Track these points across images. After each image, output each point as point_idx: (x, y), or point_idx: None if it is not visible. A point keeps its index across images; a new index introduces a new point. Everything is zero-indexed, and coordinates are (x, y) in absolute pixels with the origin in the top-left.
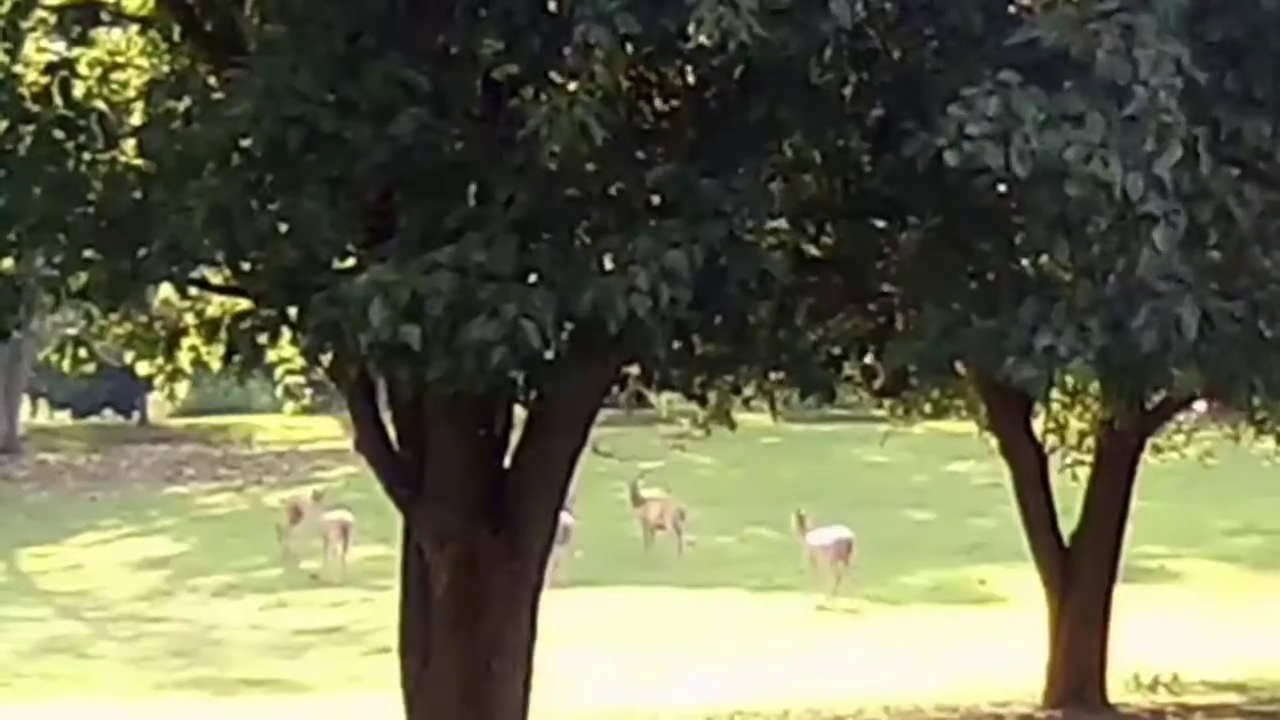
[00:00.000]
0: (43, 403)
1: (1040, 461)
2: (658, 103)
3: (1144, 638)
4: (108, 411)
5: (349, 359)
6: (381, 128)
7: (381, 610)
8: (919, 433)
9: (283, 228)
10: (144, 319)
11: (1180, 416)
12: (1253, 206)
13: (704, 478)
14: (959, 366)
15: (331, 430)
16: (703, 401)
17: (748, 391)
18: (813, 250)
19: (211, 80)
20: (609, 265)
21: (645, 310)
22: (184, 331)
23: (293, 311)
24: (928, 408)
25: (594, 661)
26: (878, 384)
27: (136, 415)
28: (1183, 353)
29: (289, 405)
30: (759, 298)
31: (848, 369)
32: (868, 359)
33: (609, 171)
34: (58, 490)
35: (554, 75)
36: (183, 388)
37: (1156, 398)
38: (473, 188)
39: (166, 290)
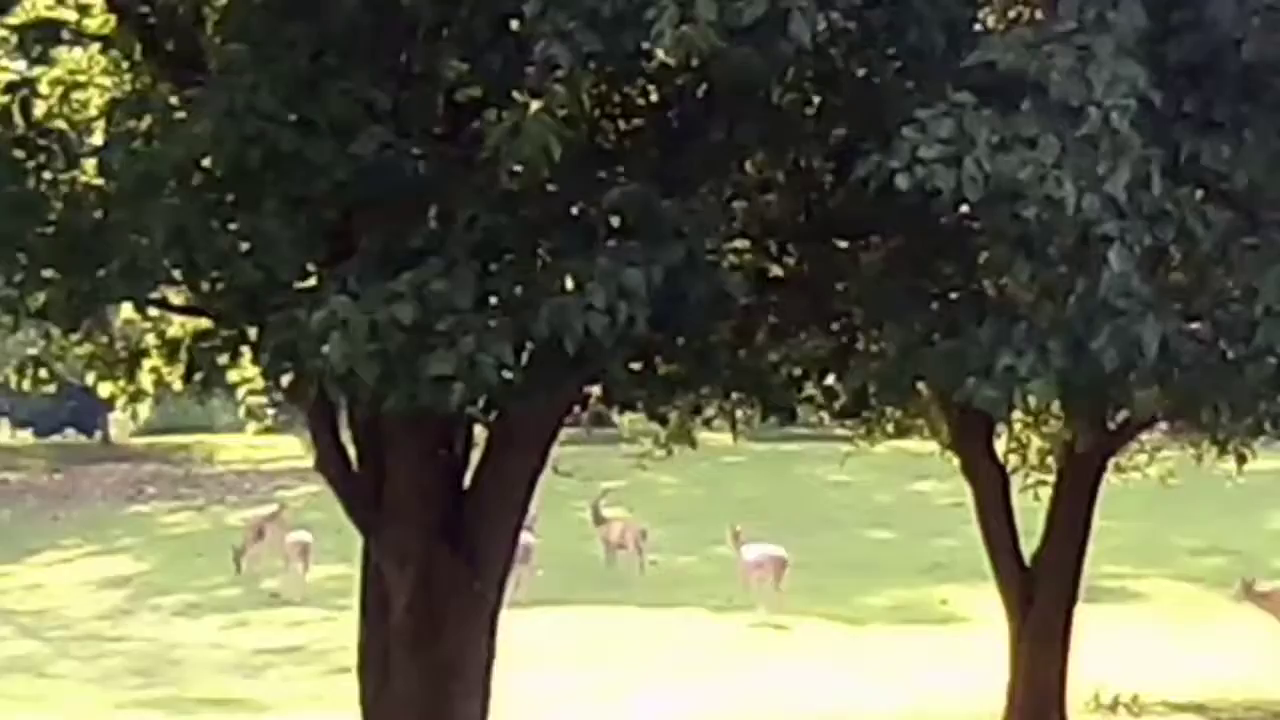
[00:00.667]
0: (4, 421)
1: (1002, 481)
2: (620, 122)
3: (1105, 657)
4: (70, 430)
5: (308, 381)
6: (342, 147)
7: (342, 629)
8: (882, 452)
9: (243, 247)
10: (105, 339)
11: (1143, 436)
12: (1215, 227)
13: (666, 497)
14: (920, 387)
15: (294, 449)
16: (664, 421)
17: (709, 411)
18: (775, 270)
19: (172, 99)
20: (568, 285)
21: (602, 329)
22: (145, 352)
23: (253, 331)
24: (890, 427)
25: (553, 682)
26: (838, 405)
27: (99, 434)
28: (1144, 373)
29: (251, 425)
30: (719, 318)
31: (809, 389)
32: (829, 380)
33: (570, 192)
34: (19, 509)
35: (516, 94)
36: (145, 407)
37: (1119, 418)
38: (434, 208)
39: (128, 310)
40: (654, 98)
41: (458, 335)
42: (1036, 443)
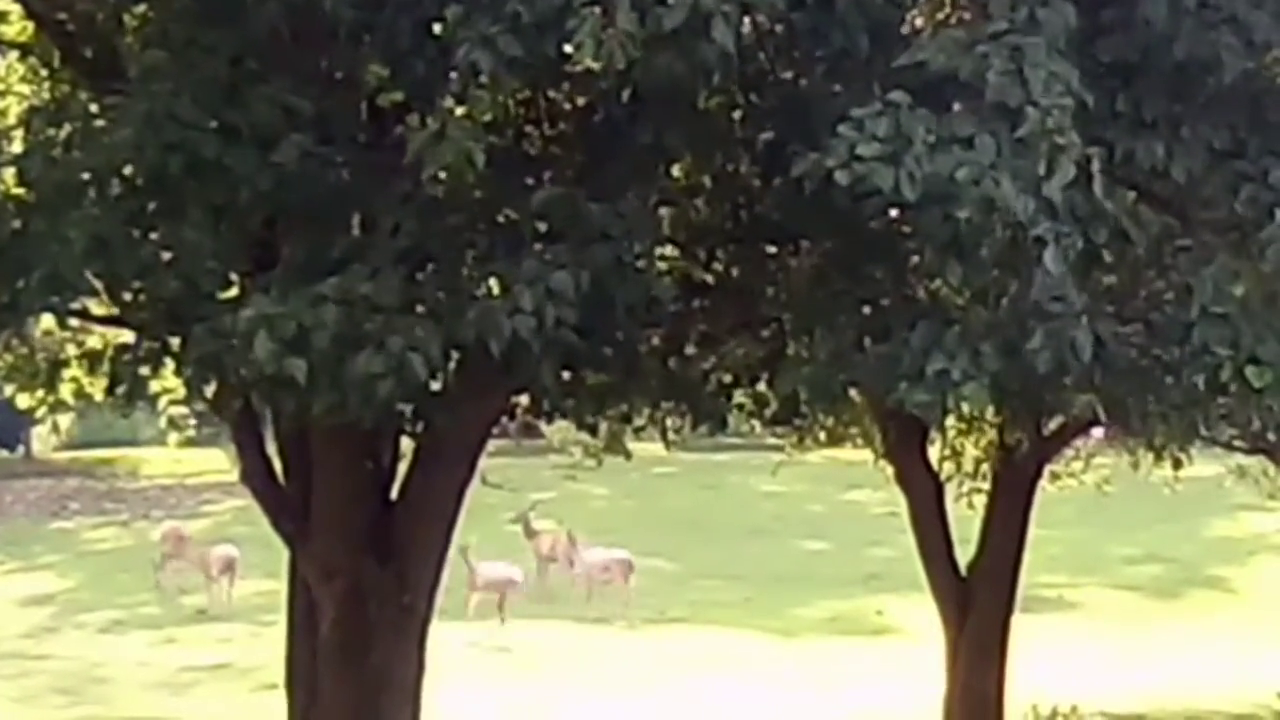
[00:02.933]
0: None
1: (936, 490)
2: (545, 128)
3: (1043, 668)
4: None
5: (232, 391)
6: (265, 155)
7: (269, 645)
8: (815, 461)
9: (165, 257)
10: (25, 350)
11: (1078, 443)
12: (1149, 228)
13: (597, 509)
14: (853, 393)
15: (219, 463)
16: (594, 431)
17: (639, 421)
18: (704, 276)
19: (92, 107)
20: (495, 290)
21: (529, 332)
22: (65, 363)
23: (175, 343)
24: (822, 435)
25: (480, 698)
26: (769, 413)
27: (21, 450)
28: (1077, 376)
29: (173, 437)
30: (648, 325)
31: (739, 397)
32: (760, 386)
33: (496, 198)
34: None
35: (438, 100)
36: (66, 420)
37: (1053, 423)
38: (358, 216)
39: (48, 321)
40: (579, 102)
41: (385, 336)
42: (971, 450)
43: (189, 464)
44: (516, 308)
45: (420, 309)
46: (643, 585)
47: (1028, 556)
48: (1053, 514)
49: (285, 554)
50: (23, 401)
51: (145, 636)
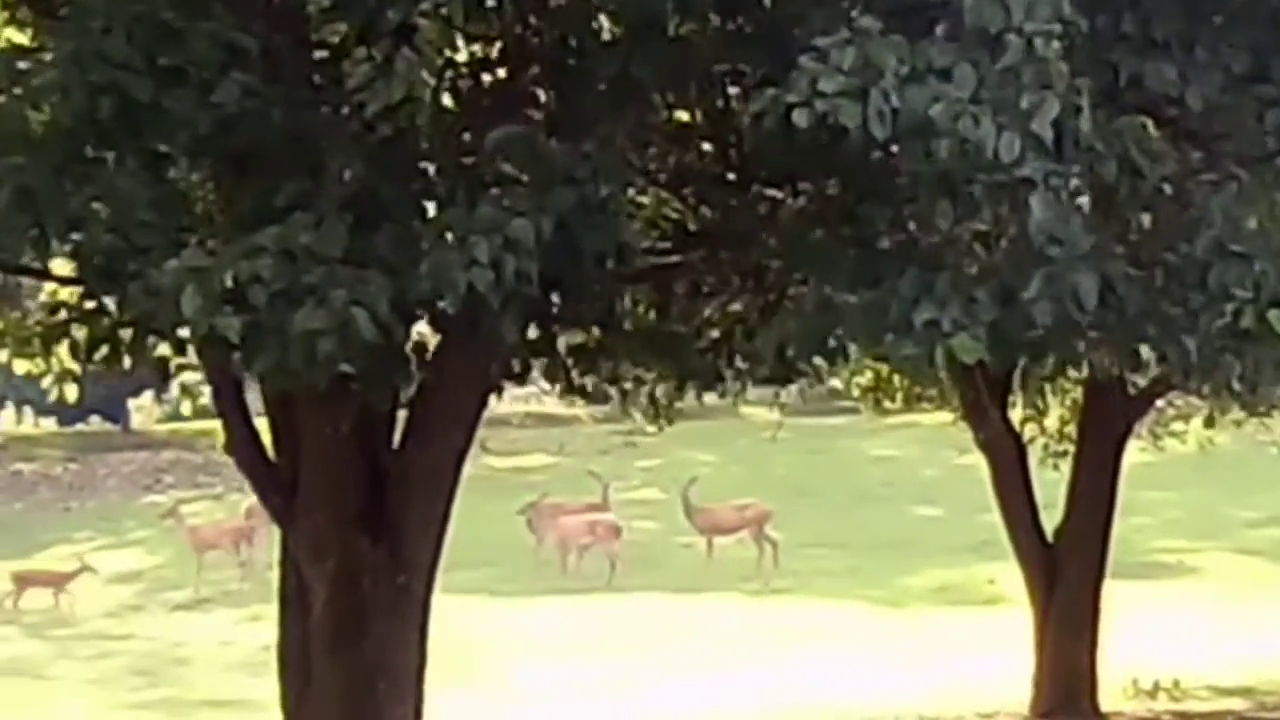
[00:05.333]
0: (27, 410)
1: (1019, 452)
2: (502, 61)
3: (1153, 638)
4: (95, 418)
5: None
6: (204, 96)
7: None
8: (929, 424)
9: (97, 210)
10: (16, 314)
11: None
12: (1163, 160)
13: (705, 475)
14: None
15: None
16: (583, 394)
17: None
18: (690, 223)
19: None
20: (450, 239)
21: (487, 285)
22: (60, 327)
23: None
24: (899, 398)
25: (572, 673)
26: (763, 371)
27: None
28: (1083, 325)
29: (186, 406)
30: (628, 277)
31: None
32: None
33: (451, 139)
34: (31, 501)
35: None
36: (72, 390)
37: (1141, 381)
38: (306, 161)
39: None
40: (545, 37)
41: (328, 290)
42: (1056, 410)
43: None
44: (473, 259)
45: (369, 259)
46: (750, 554)
47: (1145, 520)
48: (1170, 476)
49: None
50: (19, 368)
51: (230, 615)
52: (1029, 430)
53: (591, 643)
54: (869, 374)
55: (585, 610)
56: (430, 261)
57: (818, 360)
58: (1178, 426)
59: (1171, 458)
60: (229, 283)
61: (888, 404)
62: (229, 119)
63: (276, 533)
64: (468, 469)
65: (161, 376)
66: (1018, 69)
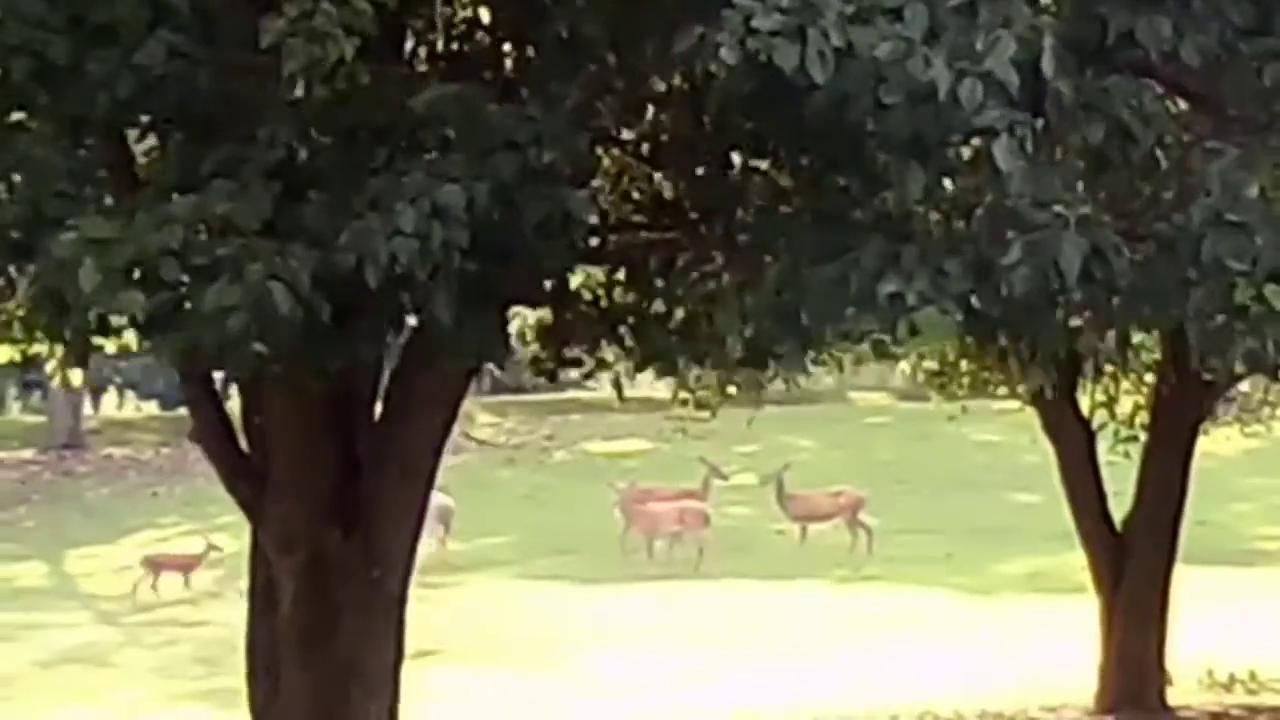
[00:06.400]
0: (129, 394)
1: (1088, 439)
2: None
3: (1244, 628)
4: None
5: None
6: (126, 57)
7: (435, 610)
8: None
9: (11, 179)
10: None
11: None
12: (1157, 121)
13: (801, 461)
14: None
15: None
16: (552, 377)
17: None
18: (654, 193)
19: None
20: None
21: (411, 257)
22: None
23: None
24: (965, 381)
25: (657, 663)
26: (732, 354)
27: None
28: (1067, 299)
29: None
30: (584, 254)
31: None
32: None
33: (386, 101)
34: (119, 486)
35: None
36: (77, 375)
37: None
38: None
39: None
40: None
41: (245, 263)
42: (1127, 396)
43: None
44: (397, 229)
45: (297, 234)
46: (843, 541)
47: (1246, 507)
48: (1275, 462)
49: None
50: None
51: None
52: (1099, 417)
53: (673, 631)
54: (933, 360)
55: (670, 598)
56: (351, 231)
57: (788, 342)
58: (1265, 412)
59: (1277, 443)
60: (130, 256)
61: (955, 390)
62: (153, 81)
63: None
64: (562, 454)
65: (78, 360)
66: (974, 6)
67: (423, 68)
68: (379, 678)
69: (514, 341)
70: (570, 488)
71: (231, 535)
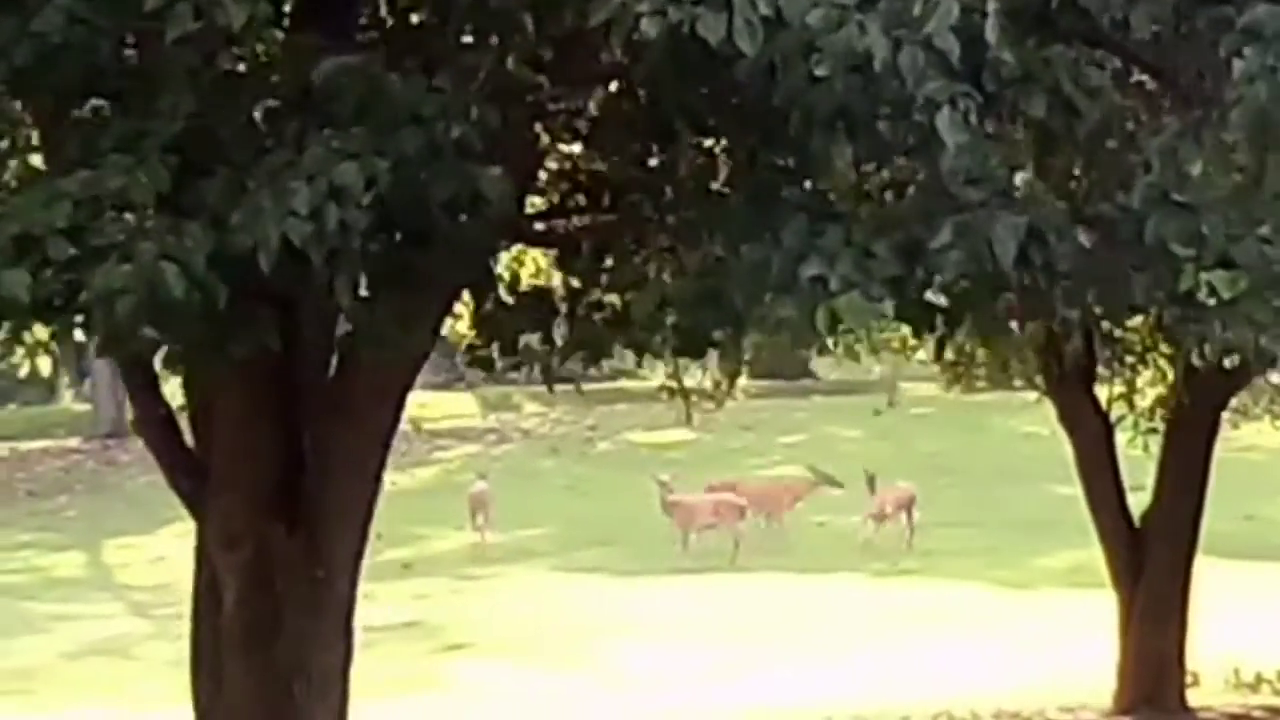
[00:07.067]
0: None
1: (1106, 431)
2: None
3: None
4: None
5: None
6: (23, 24)
7: (467, 603)
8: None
9: None
10: None
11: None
12: (1103, 96)
13: (846, 452)
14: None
15: (466, 407)
16: (487, 366)
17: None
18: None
19: None
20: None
21: (304, 238)
22: None
23: None
24: (981, 372)
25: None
26: (664, 343)
27: None
28: (1004, 282)
29: None
30: (505, 238)
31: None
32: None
33: (293, 74)
34: (160, 476)
35: None
36: (45, 363)
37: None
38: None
39: None
40: None
41: (135, 243)
42: (1147, 388)
43: (435, 408)
44: (290, 209)
45: (198, 212)
46: (882, 532)
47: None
48: None
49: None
50: None
51: None
52: (1118, 409)
53: (705, 625)
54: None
55: (705, 591)
56: (244, 211)
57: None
58: None
59: None
60: (23, 234)
61: (973, 380)
62: (51, 49)
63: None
64: (605, 444)
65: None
66: None
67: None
68: (326, 680)
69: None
70: (611, 478)
71: None
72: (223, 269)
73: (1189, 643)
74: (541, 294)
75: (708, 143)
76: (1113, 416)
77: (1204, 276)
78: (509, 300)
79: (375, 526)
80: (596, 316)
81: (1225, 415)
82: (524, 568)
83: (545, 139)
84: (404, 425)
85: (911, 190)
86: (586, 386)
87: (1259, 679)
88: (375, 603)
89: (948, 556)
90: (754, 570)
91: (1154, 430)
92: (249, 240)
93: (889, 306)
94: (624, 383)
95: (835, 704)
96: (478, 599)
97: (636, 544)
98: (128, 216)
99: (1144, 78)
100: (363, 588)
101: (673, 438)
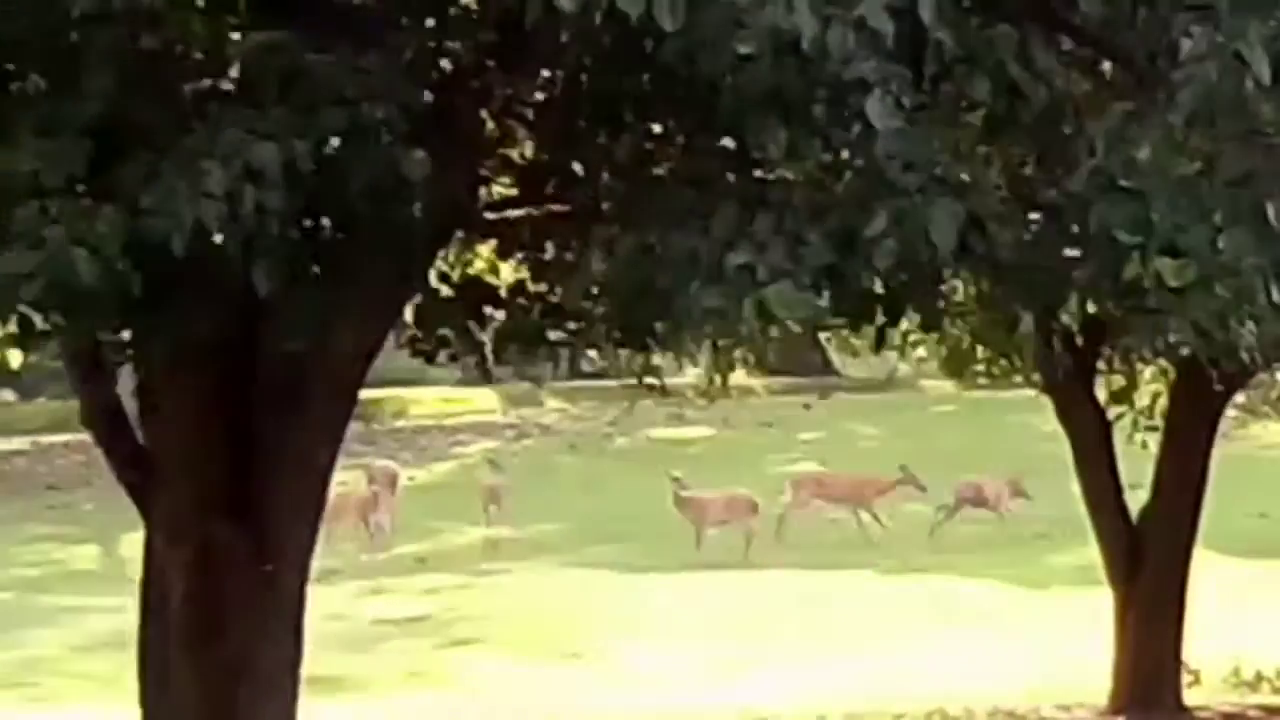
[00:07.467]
0: None
1: (1104, 428)
2: None
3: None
4: None
5: None
6: None
7: (476, 598)
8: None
9: None
10: None
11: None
12: (1051, 77)
13: (866, 449)
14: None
15: (488, 402)
16: (429, 359)
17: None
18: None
19: None
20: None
21: (217, 221)
22: None
23: None
24: (979, 368)
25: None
26: (598, 334)
27: None
28: (941, 272)
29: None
30: (451, 225)
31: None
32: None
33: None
34: None
35: None
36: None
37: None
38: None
39: None
40: None
41: (40, 228)
42: (1147, 385)
43: (458, 403)
44: (204, 190)
45: (117, 195)
46: (896, 530)
47: None
48: None
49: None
50: None
51: (354, 586)
52: (1118, 406)
53: (712, 622)
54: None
55: (716, 588)
56: (157, 193)
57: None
58: None
59: None
60: None
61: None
62: None
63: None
64: (624, 440)
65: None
66: None
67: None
68: (274, 678)
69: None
70: (629, 474)
71: None
72: (138, 255)
73: (1190, 641)
74: (475, 284)
75: (656, 129)
76: (1111, 414)
77: (1153, 266)
78: (444, 291)
79: (394, 521)
80: (537, 308)
81: (1232, 413)
82: (536, 563)
83: (491, 126)
84: (419, 421)
85: (849, 176)
86: (608, 384)
87: (1259, 677)
88: (386, 597)
89: (961, 553)
90: (767, 567)
91: (1153, 428)
92: (163, 224)
93: (823, 297)
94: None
95: (835, 702)
96: (488, 594)
97: (650, 540)
98: (39, 201)
99: (1098, 59)
100: (374, 582)
101: (692, 434)
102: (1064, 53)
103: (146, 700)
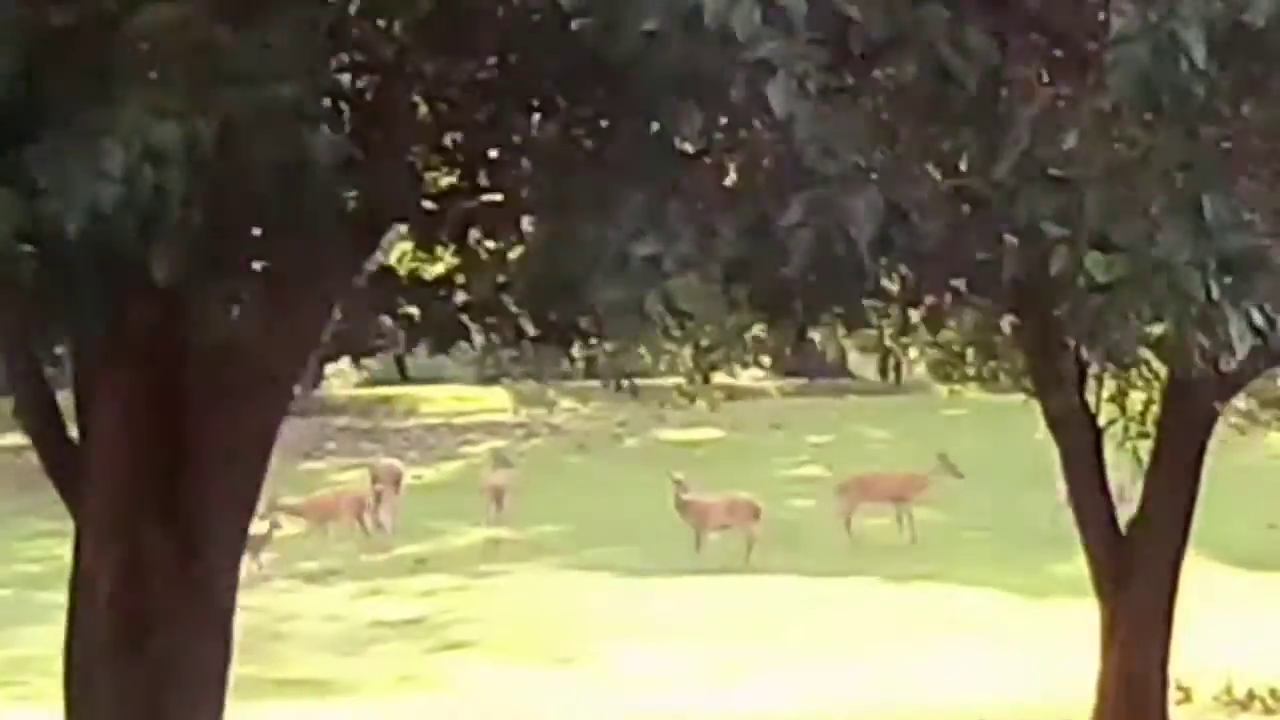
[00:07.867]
0: None
1: (1094, 436)
2: None
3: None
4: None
5: None
6: None
7: (472, 600)
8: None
9: None
10: None
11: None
12: (983, 58)
13: (872, 452)
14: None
15: (499, 401)
16: (362, 356)
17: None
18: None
19: None
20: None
21: (115, 203)
22: None
23: None
24: (970, 372)
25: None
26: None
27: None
28: (863, 265)
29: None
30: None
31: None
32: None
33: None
34: None
35: None
36: None
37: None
38: None
39: None
40: None
41: None
42: (1138, 392)
43: (469, 401)
44: (101, 170)
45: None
46: (902, 537)
47: None
48: None
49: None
50: None
51: (351, 588)
52: (1109, 412)
53: (710, 626)
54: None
55: (715, 592)
56: (53, 174)
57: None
58: None
59: None
60: None
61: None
62: None
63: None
64: (633, 441)
65: None
66: None
67: None
68: (202, 685)
69: None
70: (635, 475)
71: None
72: (32, 240)
73: (1183, 657)
74: (387, 277)
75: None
76: (1102, 421)
77: (1080, 259)
78: (359, 283)
79: (396, 521)
80: (458, 300)
81: (1233, 420)
82: (535, 565)
83: (425, 110)
84: (428, 419)
85: (765, 162)
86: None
87: (1251, 696)
88: (381, 599)
89: (963, 561)
90: (768, 572)
91: (1145, 435)
92: (57, 206)
93: (736, 291)
94: (661, 379)
95: (832, 708)
96: (486, 596)
97: (652, 543)
98: None
99: (1038, 40)
100: (373, 583)
101: (701, 436)
102: (999, 34)
103: (70, 707)
